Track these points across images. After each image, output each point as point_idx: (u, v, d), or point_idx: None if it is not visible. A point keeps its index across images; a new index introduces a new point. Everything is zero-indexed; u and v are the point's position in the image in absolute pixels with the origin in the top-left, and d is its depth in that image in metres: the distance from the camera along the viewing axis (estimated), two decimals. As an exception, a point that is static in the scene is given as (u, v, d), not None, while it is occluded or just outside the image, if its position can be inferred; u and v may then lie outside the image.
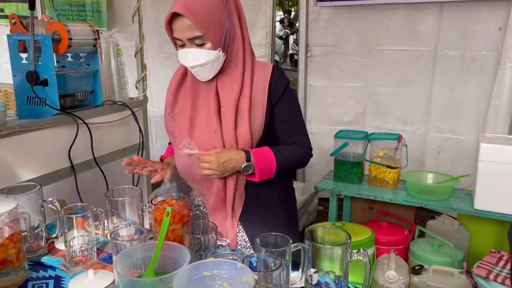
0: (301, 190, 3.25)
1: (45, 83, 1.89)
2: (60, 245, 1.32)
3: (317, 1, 3.30)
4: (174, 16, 1.26)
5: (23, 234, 1.19)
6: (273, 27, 3.65)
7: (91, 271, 1.11)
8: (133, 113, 2.30)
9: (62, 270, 1.22)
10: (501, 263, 2.10)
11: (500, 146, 2.17)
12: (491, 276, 2.00)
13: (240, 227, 1.46)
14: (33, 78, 1.86)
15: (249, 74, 1.37)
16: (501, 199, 2.18)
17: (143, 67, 2.55)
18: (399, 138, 2.56)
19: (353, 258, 0.99)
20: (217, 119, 1.36)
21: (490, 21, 2.85)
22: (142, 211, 1.34)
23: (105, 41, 2.24)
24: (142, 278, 0.99)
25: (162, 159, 1.60)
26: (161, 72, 3.98)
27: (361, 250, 0.99)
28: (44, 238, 1.31)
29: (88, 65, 2.13)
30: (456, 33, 2.98)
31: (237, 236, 1.46)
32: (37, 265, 1.25)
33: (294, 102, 1.46)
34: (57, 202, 1.29)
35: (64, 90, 1.99)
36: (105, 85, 2.26)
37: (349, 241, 0.99)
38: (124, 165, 1.40)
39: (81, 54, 2.09)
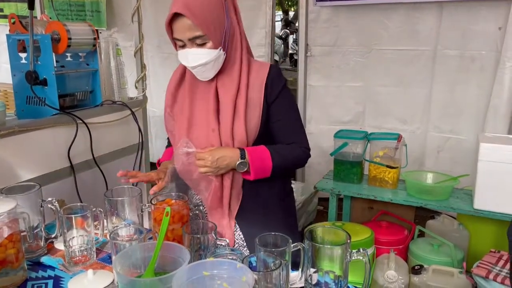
0: (300, 190, 3.25)
1: (44, 83, 1.89)
2: (59, 245, 1.32)
3: (316, 1, 3.30)
4: (175, 16, 1.26)
5: (22, 234, 1.19)
6: (273, 27, 3.65)
7: (90, 271, 1.10)
8: (133, 113, 2.30)
9: (62, 270, 1.22)
10: (501, 262, 2.10)
11: (499, 146, 2.18)
12: (491, 276, 2.00)
13: (237, 226, 1.46)
14: (33, 78, 1.86)
15: (246, 72, 1.37)
16: (500, 198, 2.18)
17: (142, 67, 2.54)
18: (398, 137, 2.56)
19: (353, 258, 0.99)
20: (215, 118, 1.37)
21: (489, 21, 2.85)
22: (142, 211, 1.34)
23: (104, 41, 2.24)
24: (142, 278, 0.99)
25: (159, 162, 1.60)
26: (161, 72, 3.98)
27: (361, 250, 0.99)
28: (43, 238, 1.31)
29: (88, 64, 2.12)
30: (455, 33, 2.98)
31: (234, 235, 1.46)
32: (37, 265, 1.25)
33: (291, 102, 1.46)
34: (56, 202, 1.29)
35: (63, 90, 1.99)
36: (105, 85, 2.26)
37: (348, 241, 0.99)
38: (118, 176, 1.39)
39: (80, 54, 2.09)
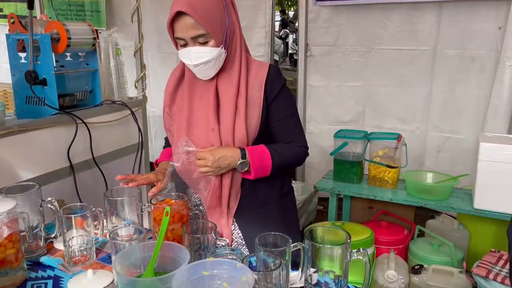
0: (300, 189, 3.24)
1: (44, 82, 1.89)
2: (59, 245, 1.32)
3: (316, 1, 3.30)
4: (177, 15, 1.26)
5: (22, 234, 1.19)
6: (273, 26, 3.65)
7: (90, 271, 1.10)
8: (132, 113, 2.30)
9: (61, 270, 1.22)
10: (501, 262, 2.10)
11: (499, 146, 2.17)
12: (491, 276, 2.00)
13: (236, 225, 1.47)
14: (32, 78, 1.86)
15: (245, 72, 1.38)
16: (500, 198, 2.18)
17: (142, 66, 2.54)
18: (398, 137, 2.56)
19: (353, 258, 0.99)
20: (215, 117, 1.37)
21: (489, 20, 2.85)
22: (141, 211, 1.34)
23: (104, 41, 2.24)
24: (141, 278, 0.99)
25: (157, 163, 1.59)
26: (161, 72, 3.98)
27: (361, 250, 0.99)
28: (43, 238, 1.31)
29: (87, 64, 2.12)
30: (455, 33, 2.98)
31: (232, 233, 1.46)
32: (36, 265, 1.25)
33: (290, 101, 1.47)
34: (56, 202, 1.28)
35: (63, 89, 1.99)
36: (104, 85, 2.26)
37: (348, 240, 0.99)
38: (117, 180, 1.39)
39: (80, 54, 2.09)
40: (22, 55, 1.92)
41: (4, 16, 4.31)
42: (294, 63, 8.73)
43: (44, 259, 1.26)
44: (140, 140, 2.37)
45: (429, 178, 2.56)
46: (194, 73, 1.38)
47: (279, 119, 1.42)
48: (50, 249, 1.32)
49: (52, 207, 1.28)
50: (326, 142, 3.16)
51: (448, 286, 2.10)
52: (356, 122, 3.47)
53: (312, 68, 3.53)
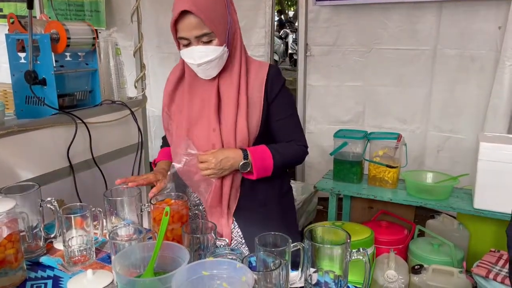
0: (300, 189, 3.24)
1: (43, 82, 1.89)
2: (58, 245, 1.32)
3: (316, 1, 3.30)
4: (181, 15, 1.26)
5: (21, 234, 1.19)
6: (272, 26, 3.65)
7: (89, 271, 1.10)
8: (132, 113, 2.30)
9: (61, 270, 1.22)
10: (501, 262, 2.10)
11: (499, 145, 2.17)
12: (491, 275, 2.00)
13: (235, 224, 1.47)
14: (32, 78, 1.86)
15: (244, 71, 1.38)
16: (500, 198, 2.18)
17: (142, 66, 2.54)
18: (398, 137, 2.56)
19: (353, 258, 0.99)
20: (216, 117, 1.37)
21: (489, 20, 2.84)
22: (141, 211, 1.33)
23: (103, 41, 2.24)
24: (141, 278, 0.99)
25: (155, 163, 1.59)
26: (160, 72, 3.97)
27: (361, 250, 0.99)
28: (42, 238, 1.31)
29: (87, 64, 2.12)
30: (455, 32, 2.98)
31: (232, 232, 1.46)
32: (36, 265, 1.25)
33: (290, 101, 1.48)
34: (55, 202, 1.28)
35: (62, 89, 1.99)
36: (104, 85, 2.26)
37: (348, 240, 0.99)
38: (117, 184, 1.39)
39: (79, 54, 2.09)
40: (22, 55, 1.91)
41: (4, 16, 4.30)
42: (294, 63, 8.73)
43: (43, 259, 1.26)
44: (140, 140, 2.37)
45: (429, 178, 2.56)
46: (195, 73, 1.38)
47: (279, 118, 1.43)
48: (49, 249, 1.32)
49: (51, 207, 1.28)
50: (326, 142, 3.15)
51: (448, 286, 2.10)
52: (356, 122, 3.47)
53: (312, 68, 3.53)
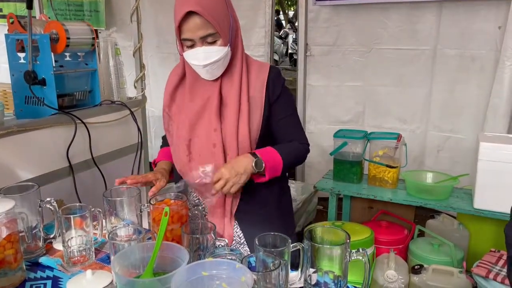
0: (300, 189, 3.24)
1: (43, 82, 1.89)
2: (58, 246, 1.32)
3: (316, 0, 3.30)
4: (185, 16, 1.25)
5: (20, 234, 1.19)
6: (272, 26, 3.64)
7: (89, 272, 1.10)
8: (132, 113, 2.30)
9: (60, 270, 1.22)
10: (501, 262, 2.10)
11: (499, 145, 2.17)
12: (491, 275, 2.00)
13: (236, 223, 1.47)
14: (31, 78, 1.86)
15: (245, 71, 1.39)
16: (500, 198, 2.18)
17: (141, 66, 2.54)
18: (398, 137, 2.56)
19: (353, 258, 0.99)
20: (217, 118, 1.37)
21: (489, 20, 2.84)
22: (141, 211, 1.33)
23: (103, 41, 2.24)
24: (140, 279, 0.99)
25: (154, 163, 1.59)
26: (160, 72, 3.97)
27: (361, 250, 0.99)
28: (42, 239, 1.30)
29: (87, 64, 2.12)
30: (455, 32, 2.98)
31: (233, 233, 1.46)
32: (35, 265, 1.25)
33: (290, 100, 1.48)
34: (55, 202, 1.28)
35: (62, 89, 1.99)
36: (104, 85, 2.26)
37: (348, 240, 0.99)
38: (117, 185, 1.39)
39: (79, 54, 2.09)
40: (21, 55, 1.91)
41: (4, 16, 4.30)
42: (294, 63, 8.73)
43: (43, 260, 1.25)
44: (140, 140, 2.37)
45: (429, 178, 2.56)
46: (196, 73, 1.38)
47: (281, 118, 1.43)
48: (49, 250, 1.32)
49: (51, 207, 1.27)
50: (326, 142, 3.15)
51: (448, 286, 2.10)
52: (356, 122, 3.47)
53: (312, 68, 3.53)
